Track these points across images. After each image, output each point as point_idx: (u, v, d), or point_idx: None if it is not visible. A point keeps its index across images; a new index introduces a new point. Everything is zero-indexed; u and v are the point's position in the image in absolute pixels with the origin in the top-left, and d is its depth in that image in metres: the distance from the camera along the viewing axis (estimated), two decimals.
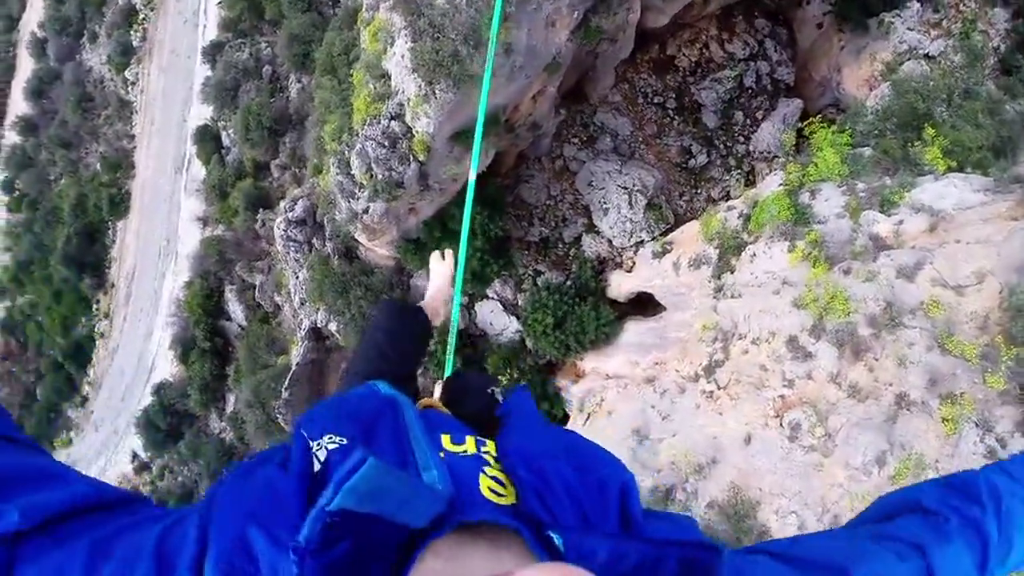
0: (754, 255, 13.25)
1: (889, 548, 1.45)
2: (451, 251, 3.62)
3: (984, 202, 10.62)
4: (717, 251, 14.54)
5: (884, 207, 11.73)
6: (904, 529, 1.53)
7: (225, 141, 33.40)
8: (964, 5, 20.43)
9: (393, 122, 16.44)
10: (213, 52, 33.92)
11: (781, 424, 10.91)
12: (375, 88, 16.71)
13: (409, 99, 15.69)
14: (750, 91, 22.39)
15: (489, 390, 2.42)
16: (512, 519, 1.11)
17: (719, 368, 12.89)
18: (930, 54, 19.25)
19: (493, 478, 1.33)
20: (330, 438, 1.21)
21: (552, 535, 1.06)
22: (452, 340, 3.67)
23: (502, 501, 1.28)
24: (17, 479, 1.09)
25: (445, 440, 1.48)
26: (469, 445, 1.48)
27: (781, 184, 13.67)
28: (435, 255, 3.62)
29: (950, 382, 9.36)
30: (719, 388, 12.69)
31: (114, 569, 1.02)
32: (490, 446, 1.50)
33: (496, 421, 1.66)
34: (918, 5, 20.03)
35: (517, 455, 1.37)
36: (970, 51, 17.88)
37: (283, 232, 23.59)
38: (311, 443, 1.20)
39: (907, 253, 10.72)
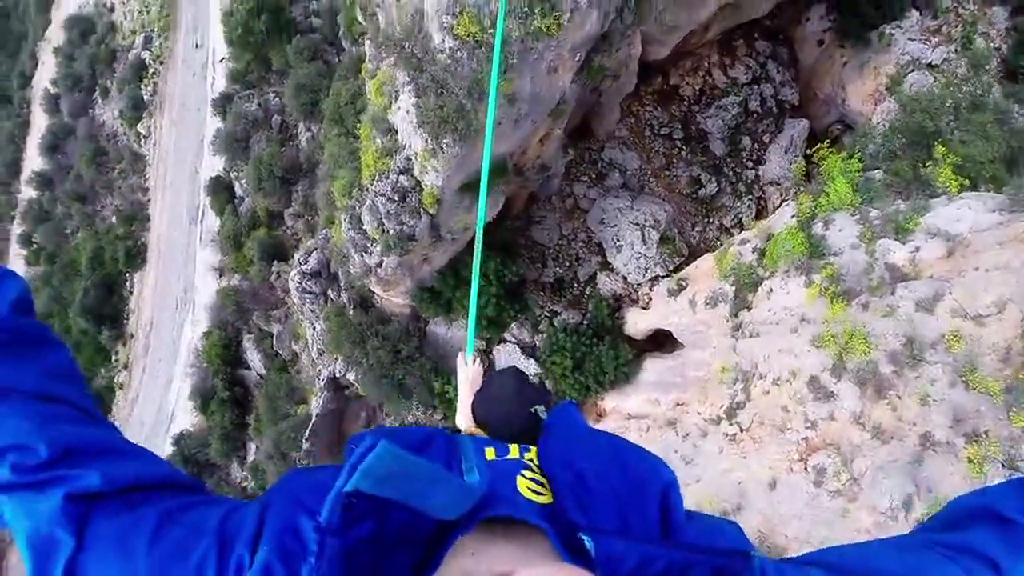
0: (771, 291, 13.09)
1: (956, 561, 1.30)
2: (475, 356, 3.48)
3: (1000, 222, 10.42)
4: (733, 287, 14.39)
5: (899, 234, 11.56)
6: (975, 540, 1.35)
7: (238, 191, 33.72)
8: (963, 8, 20.33)
9: (402, 176, 16.48)
10: (223, 104, 34.39)
11: (806, 469, 10.73)
12: (382, 143, 16.77)
13: (417, 153, 15.73)
14: (755, 115, 22.33)
15: (532, 409, 2.42)
16: (540, 518, 1.12)
17: (741, 410, 12.72)
18: (933, 63, 19.13)
19: (533, 479, 1.37)
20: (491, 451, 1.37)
21: (583, 537, 1.08)
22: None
23: (540, 500, 1.31)
24: (101, 451, 1.20)
25: (489, 452, 1.54)
26: (512, 452, 1.55)
27: (793, 216, 13.54)
28: (459, 359, 3.50)
29: (975, 420, 9.15)
30: (742, 431, 12.52)
31: (180, 535, 1.12)
32: (533, 452, 1.55)
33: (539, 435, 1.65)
34: (917, 14, 19.93)
35: (556, 457, 1.40)
36: (973, 58, 17.75)
37: (298, 284, 23.68)
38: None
39: (925, 284, 10.54)
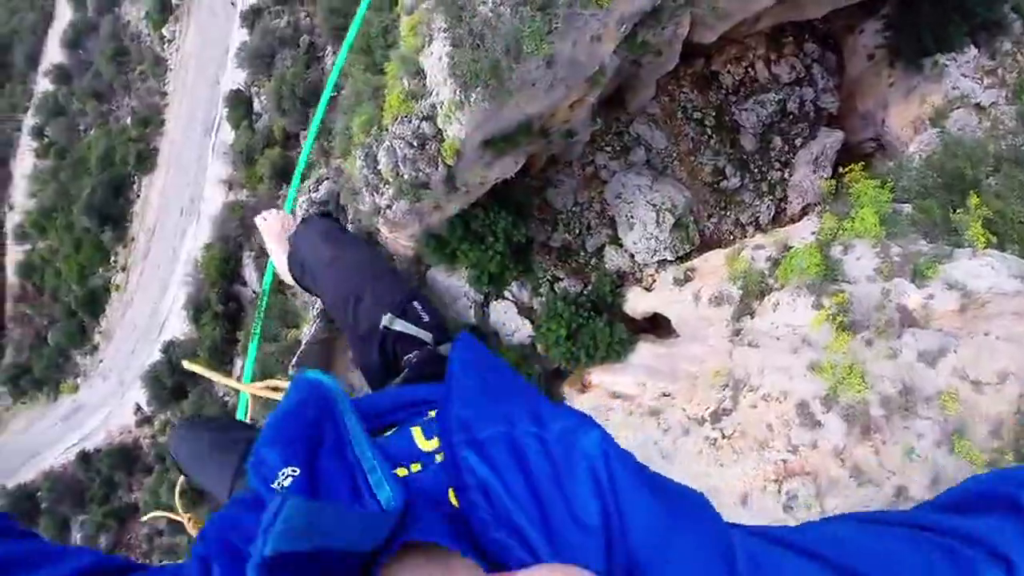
0: (777, 304, 12.91)
1: (956, 552, 1.07)
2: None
3: (1020, 291, 10.21)
4: (740, 292, 14.20)
5: (916, 277, 11.34)
6: (988, 530, 1.11)
7: (256, 107, 33.26)
8: (1021, 55, 19.75)
9: (424, 123, 16.13)
10: (252, 17, 33.66)
11: (779, 491, 10.66)
12: (409, 85, 16.37)
13: (443, 103, 15.35)
14: (791, 116, 21.85)
15: (428, 347, 2.18)
16: (452, 537, 0.99)
17: (726, 416, 12.63)
18: (981, 104, 18.62)
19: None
20: (284, 473, 1.12)
21: (501, 538, 0.96)
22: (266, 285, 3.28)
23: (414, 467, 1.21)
24: (22, 561, 1.15)
25: (417, 435, 1.33)
26: (421, 445, 1.31)
27: (814, 233, 13.30)
28: (257, 219, 3.16)
29: (952, 485, 9.04)
30: (723, 437, 12.44)
31: None
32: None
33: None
34: (975, 51, 19.36)
35: (456, 424, 1.13)
36: (1023, 114, 17.29)
37: (305, 211, 23.43)
38: (272, 486, 1.10)
39: (932, 336, 10.36)
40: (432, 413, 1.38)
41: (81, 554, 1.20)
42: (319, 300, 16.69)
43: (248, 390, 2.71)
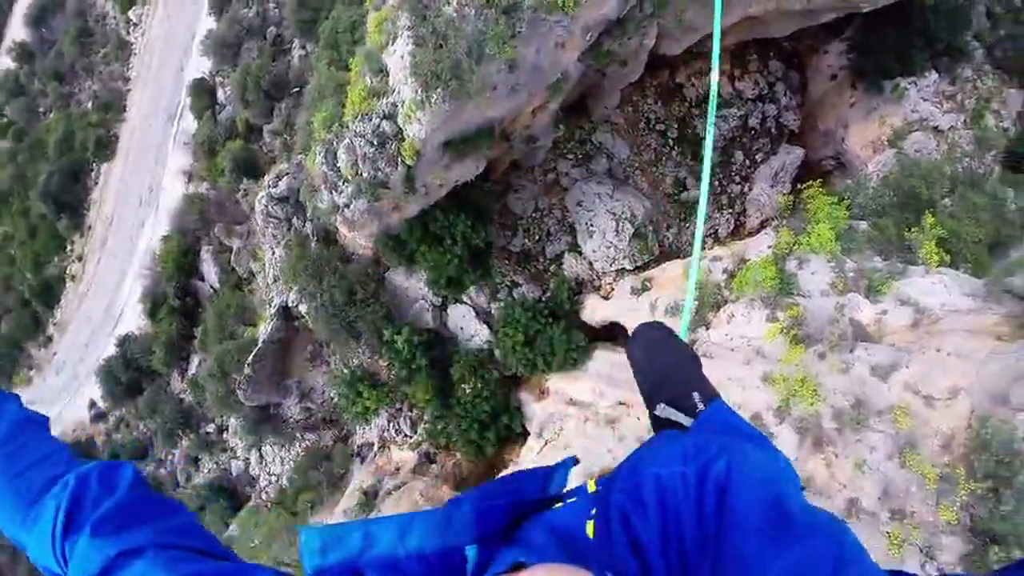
0: (732, 316, 12.95)
1: None
2: None
3: (972, 308, 10.33)
4: (695, 303, 14.21)
5: (870, 293, 11.45)
6: None
7: (220, 97, 32.74)
8: (981, 82, 20.12)
9: (385, 122, 15.95)
10: (220, 5, 33.13)
11: None
12: (371, 82, 16.20)
13: (404, 101, 15.20)
14: (753, 132, 22.03)
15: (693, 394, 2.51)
16: (543, 557, 1.12)
17: None
18: (939, 127, 18.94)
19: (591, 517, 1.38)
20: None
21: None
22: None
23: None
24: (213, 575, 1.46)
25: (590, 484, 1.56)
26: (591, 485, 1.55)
27: (770, 247, 13.36)
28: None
29: (903, 498, 9.11)
30: None
31: None
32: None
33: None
34: (935, 75, 19.68)
35: (622, 471, 1.43)
36: (980, 134, 17.60)
37: (264, 207, 23.10)
38: None
39: (885, 350, 10.43)
40: None
41: (253, 569, 1.50)
42: (281, 297, 16.35)
43: None
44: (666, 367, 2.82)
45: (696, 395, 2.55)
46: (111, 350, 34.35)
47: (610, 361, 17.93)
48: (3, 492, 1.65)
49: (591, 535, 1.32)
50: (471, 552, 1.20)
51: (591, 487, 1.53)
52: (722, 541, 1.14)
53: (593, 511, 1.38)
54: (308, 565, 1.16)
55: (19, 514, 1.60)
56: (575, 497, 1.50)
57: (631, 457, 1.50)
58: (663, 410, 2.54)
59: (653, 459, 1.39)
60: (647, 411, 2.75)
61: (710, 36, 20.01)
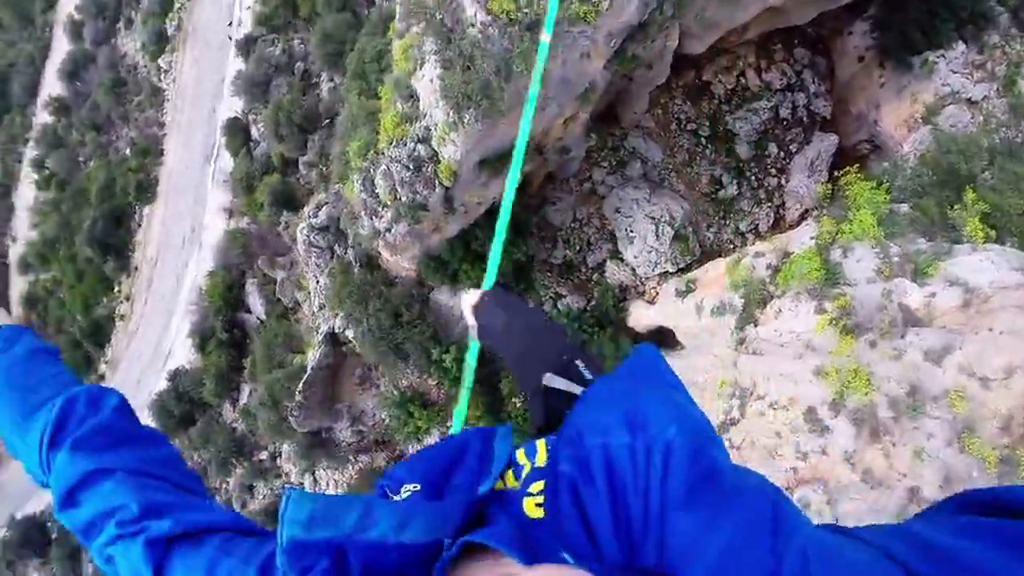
0: (780, 311, 12.89)
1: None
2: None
3: (1021, 284, 10.20)
4: (742, 300, 14.19)
5: (917, 276, 11.33)
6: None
7: (254, 135, 33.41)
8: (1009, 47, 19.81)
9: (419, 145, 16.23)
10: (246, 45, 33.89)
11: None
12: (402, 108, 16.49)
13: (437, 124, 15.47)
14: (785, 122, 21.92)
15: (566, 357, 2.26)
16: (501, 541, 1.06)
17: (734, 426, 12.61)
18: (973, 99, 18.67)
19: (539, 492, 1.29)
20: (406, 487, 1.32)
21: (565, 556, 1.06)
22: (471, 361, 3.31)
23: (541, 514, 1.25)
24: (178, 505, 1.53)
25: (520, 455, 1.44)
26: (540, 453, 1.41)
27: (813, 238, 13.29)
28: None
29: (965, 484, 8.96)
30: (733, 448, 12.40)
31: (231, 565, 1.37)
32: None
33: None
34: (963, 46, 19.42)
35: (566, 439, 1.29)
36: (1015, 101, 17.31)
37: (305, 237, 23.56)
38: (392, 496, 1.33)
39: (936, 334, 10.34)
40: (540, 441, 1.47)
41: (226, 512, 1.56)
42: (328, 324, 16.65)
43: None
44: (527, 329, 2.53)
45: (579, 363, 2.35)
46: (163, 384, 35.12)
47: None
48: (9, 405, 1.80)
49: (531, 514, 1.24)
50: (447, 541, 1.12)
51: (541, 456, 1.40)
52: (665, 520, 1.07)
53: (535, 487, 1.30)
54: (285, 534, 1.07)
55: (18, 425, 1.75)
56: (528, 464, 1.40)
57: (575, 415, 1.34)
58: (551, 379, 2.32)
59: (598, 423, 1.26)
60: (520, 387, 2.55)
61: (733, 31, 20.14)
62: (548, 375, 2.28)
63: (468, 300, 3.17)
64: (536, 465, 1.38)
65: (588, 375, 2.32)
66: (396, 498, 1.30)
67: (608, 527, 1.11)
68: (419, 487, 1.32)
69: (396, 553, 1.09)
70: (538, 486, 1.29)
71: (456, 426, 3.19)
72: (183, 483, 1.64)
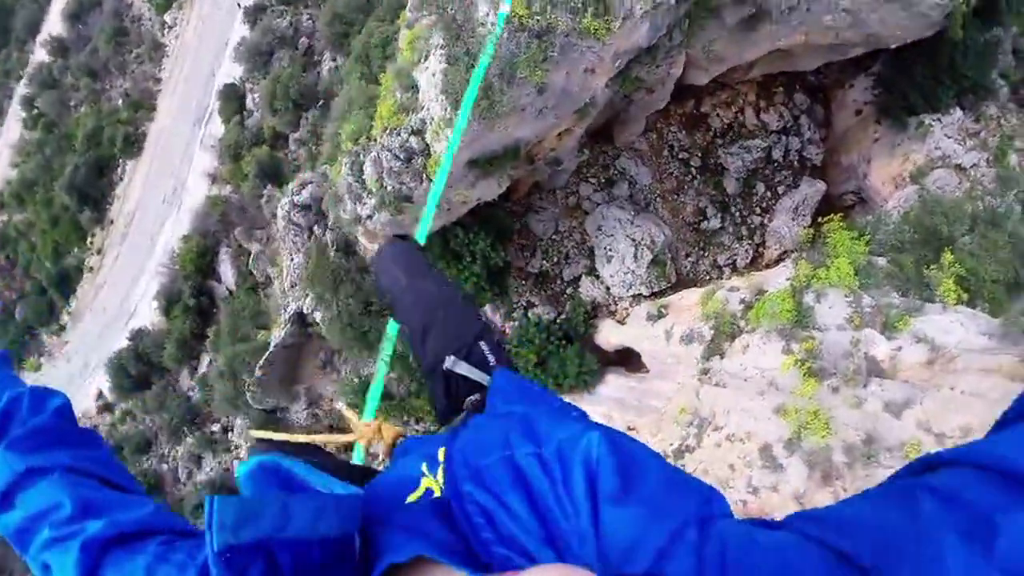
0: (747, 346, 13.01)
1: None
2: None
3: (988, 348, 10.37)
4: (712, 331, 14.30)
5: (886, 329, 11.50)
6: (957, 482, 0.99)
7: (249, 104, 33.20)
8: (1005, 120, 20.19)
9: (413, 137, 16.17)
10: (255, 13, 33.68)
11: None
12: (401, 98, 16.43)
13: (433, 119, 15.42)
14: (776, 164, 22.14)
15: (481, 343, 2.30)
16: (443, 552, 1.09)
17: (688, 454, 12.67)
18: (962, 165, 18.98)
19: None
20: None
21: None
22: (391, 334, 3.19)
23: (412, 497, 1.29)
24: (112, 505, 1.49)
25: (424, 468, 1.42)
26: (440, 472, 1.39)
27: (788, 279, 13.44)
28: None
29: None
30: None
31: (167, 572, 1.32)
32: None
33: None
34: (960, 113, 19.76)
35: (460, 459, 1.27)
36: (1003, 173, 17.65)
37: (286, 213, 23.36)
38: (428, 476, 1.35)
39: (899, 387, 10.48)
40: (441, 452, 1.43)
41: (164, 513, 1.52)
42: (297, 303, 16.42)
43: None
44: (431, 298, 2.50)
45: (483, 344, 2.34)
46: (123, 343, 34.70)
47: (621, 385, 18.00)
48: None
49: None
50: (357, 538, 1.14)
51: (432, 482, 1.37)
52: (599, 522, 1.04)
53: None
54: (216, 542, 1.03)
55: None
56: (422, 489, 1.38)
57: (460, 441, 1.31)
58: (455, 363, 2.29)
59: (492, 443, 1.24)
60: (417, 356, 2.46)
61: (737, 68, 20.33)
62: (451, 359, 2.28)
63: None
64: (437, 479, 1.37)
65: (492, 360, 2.33)
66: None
67: (540, 540, 1.08)
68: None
69: (318, 549, 1.09)
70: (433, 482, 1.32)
71: (371, 406, 3.13)
72: (121, 482, 1.62)
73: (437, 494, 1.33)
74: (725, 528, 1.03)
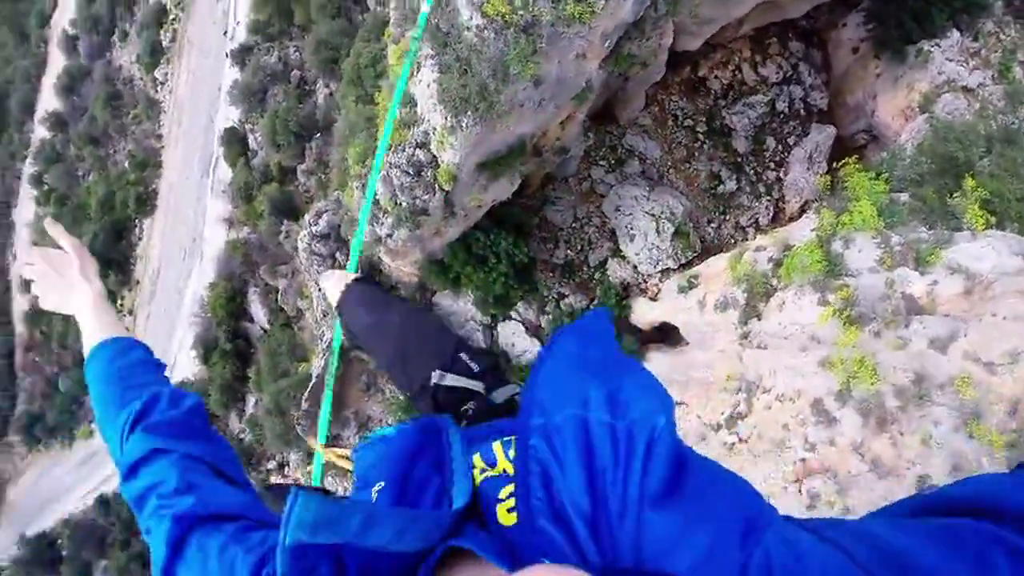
0: (783, 304, 12.92)
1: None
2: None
3: (1021, 269, 10.23)
4: (745, 295, 14.20)
5: (919, 265, 11.36)
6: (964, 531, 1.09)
7: (252, 144, 33.47)
8: (1004, 34, 19.86)
9: (418, 150, 16.26)
10: (242, 55, 33.96)
11: (800, 491, 10.63)
12: (400, 114, 16.52)
13: (435, 129, 15.49)
14: (782, 116, 21.94)
15: (481, 395, 2.31)
16: (493, 552, 1.08)
17: (741, 420, 12.63)
18: (968, 86, 18.70)
19: (508, 495, 1.26)
20: (376, 486, 1.33)
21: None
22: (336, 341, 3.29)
23: (510, 519, 1.22)
24: (211, 487, 1.69)
25: (476, 460, 1.42)
26: (499, 461, 1.39)
27: (813, 230, 13.32)
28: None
29: (974, 470, 8.99)
30: (741, 441, 12.44)
31: (235, 553, 1.46)
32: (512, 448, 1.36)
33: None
34: (957, 34, 19.46)
35: (537, 409, 1.19)
36: (1010, 88, 17.37)
37: (307, 245, 23.53)
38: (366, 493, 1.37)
39: (940, 321, 10.37)
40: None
41: (251, 502, 1.73)
42: (327, 334, 16.59)
43: (327, 454, 2.83)
44: (399, 327, 2.64)
45: (463, 355, 2.42)
46: None
47: (664, 362, 17.95)
48: (112, 396, 2.09)
49: (505, 521, 1.21)
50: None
51: (501, 460, 1.38)
52: (641, 517, 1.02)
53: (503, 492, 1.27)
54: (289, 537, 1.04)
55: (113, 412, 1.99)
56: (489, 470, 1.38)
57: (535, 389, 1.24)
58: (442, 377, 2.37)
59: (572, 394, 1.17)
60: (400, 385, 2.57)
61: (728, 26, 20.18)
62: (437, 373, 2.40)
63: (330, 285, 3.22)
64: (494, 473, 1.36)
65: (475, 367, 2.43)
66: (370, 493, 1.33)
67: (584, 521, 1.05)
68: (384, 484, 1.33)
69: (390, 558, 1.10)
70: (507, 490, 1.26)
71: (322, 431, 3.23)
72: (233, 476, 1.83)
73: (510, 471, 1.33)
74: (774, 541, 1.02)
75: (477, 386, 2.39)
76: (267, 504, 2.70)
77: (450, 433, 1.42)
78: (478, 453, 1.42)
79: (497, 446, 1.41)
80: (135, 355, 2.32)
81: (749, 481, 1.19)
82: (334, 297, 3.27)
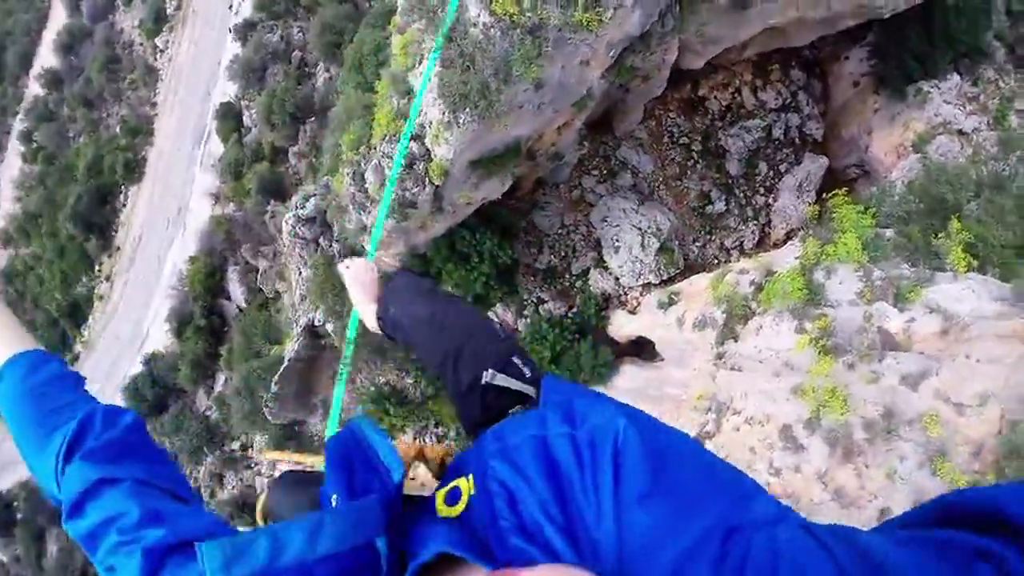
0: (760, 328, 12.98)
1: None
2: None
3: (1001, 313, 10.33)
4: (724, 315, 14.27)
5: (898, 301, 11.47)
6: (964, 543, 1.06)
7: (246, 121, 33.25)
8: (1003, 82, 20.10)
9: (413, 142, 16.18)
10: (245, 30, 33.74)
11: None
12: (398, 104, 16.44)
13: (431, 123, 15.43)
14: (777, 142, 22.06)
15: (531, 399, 2.24)
16: (457, 546, 1.08)
17: (709, 440, 12.66)
18: (963, 130, 18.91)
19: (450, 491, 1.28)
20: (333, 499, 1.31)
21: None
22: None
23: (452, 511, 1.24)
24: (176, 513, 1.54)
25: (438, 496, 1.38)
26: (463, 489, 1.34)
27: (797, 258, 13.40)
28: (339, 266, 3.22)
29: None
30: None
31: None
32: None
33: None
34: (958, 78, 19.68)
35: (492, 437, 1.26)
36: (1005, 135, 17.57)
37: (291, 228, 23.39)
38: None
39: (914, 359, 10.45)
40: None
41: (223, 525, 1.58)
42: (307, 316, 16.45)
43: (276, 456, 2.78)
44: (459, 322, 2.52)
45: (517, 359, 2.36)
46: (137, 368, 34.84)
47: (637, 376, 17.98)
48: (32, 425, 1.83)
49: (444, 512, 1.25)
50: (380, 543, 1.15)
51: (465, 483, 1.33)
52: (622, 517, 1.03)
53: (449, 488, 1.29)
54: None
55: (39, 443, 1.77)
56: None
57: (496, 427, 1.31)
58: (494, 377, 2.30)
59: (523, 424, 1.23)
60: (448, 382, 2.47)
61: (732, 48, 20.26)
62: (490, 372, 2.29)
63: (355, 273, 3.07)
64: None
65: (527, 372, 2.34)
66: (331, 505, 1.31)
67: (559, 530, 1.06)
68: (336, 495, 1.32)
69: (328, 566, 1.10)
70: (457, 484, 1.28)
71: (332, 419, 3.16)
72: (185, 496, 1.69)
73: (472, 492, 1.30)
74: (751, 536, 1.01)
75: (529, 390, 2.30)
76: (281, 491, 2.65)
77: (361, 427, 1.43)
78: (443, 491, 1.40)
79: (461, 481, 1.38)
80: (50, 370, 2.03)
81: (735, 466, 1.18)
82: (357, 287, 3.10)
